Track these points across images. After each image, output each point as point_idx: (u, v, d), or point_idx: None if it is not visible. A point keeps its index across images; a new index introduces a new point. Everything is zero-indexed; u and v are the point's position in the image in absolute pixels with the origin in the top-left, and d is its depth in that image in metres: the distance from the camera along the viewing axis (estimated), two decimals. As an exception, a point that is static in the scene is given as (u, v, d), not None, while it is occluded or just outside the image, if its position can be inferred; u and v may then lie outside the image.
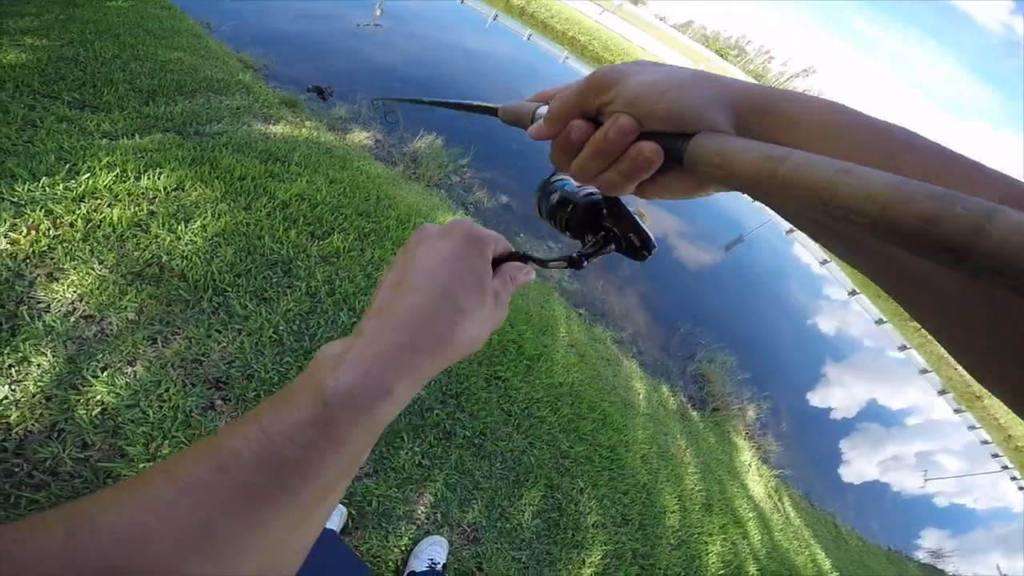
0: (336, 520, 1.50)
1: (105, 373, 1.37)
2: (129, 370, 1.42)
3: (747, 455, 4.50)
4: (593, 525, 2.19)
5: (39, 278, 1.47)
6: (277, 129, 3.09)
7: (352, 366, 0.30)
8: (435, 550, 1.65)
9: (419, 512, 1.73)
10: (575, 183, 0.49)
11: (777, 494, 4.46)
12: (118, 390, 1.36)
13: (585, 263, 0.45)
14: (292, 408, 0.28)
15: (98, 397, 1.32)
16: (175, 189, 2.05)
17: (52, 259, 1.53)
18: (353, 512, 1.58)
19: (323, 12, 8.10)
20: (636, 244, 0.44)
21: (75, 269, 1.54)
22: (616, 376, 3.56)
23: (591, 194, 0.46)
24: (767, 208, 0.30)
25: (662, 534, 2.51)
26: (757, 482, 4.20)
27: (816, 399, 8.88)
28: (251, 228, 2.08)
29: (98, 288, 1.53)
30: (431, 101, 0.68)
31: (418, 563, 1.59)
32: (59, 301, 1.45)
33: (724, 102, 0.30)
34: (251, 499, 0.24)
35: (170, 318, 1.60)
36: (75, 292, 1.50)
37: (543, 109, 0.39)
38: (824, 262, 14.62)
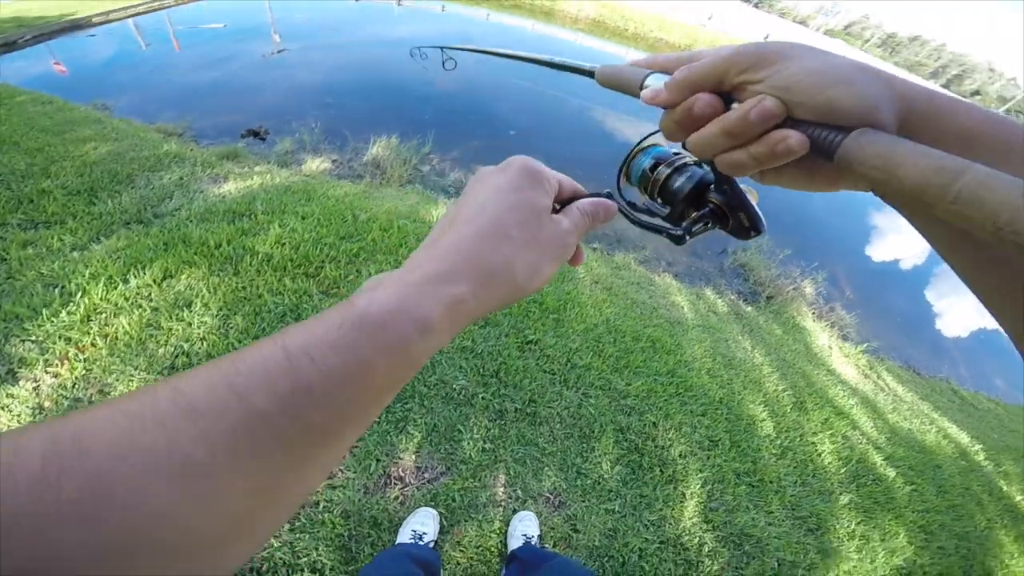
0: (431, 525, 1.81)
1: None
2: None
3: (823, 337, 4.64)
4: (680, 456, 2.45)
5: (94, 396, 1.86)
6: (229, 186, 3.43)
7: (387, 289, 0.32)
8: (526, 525, 1.93)
9: (499, 494, 2.04)
10: (670, 150, 0.52)
11: (873, 371, 4.55)
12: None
13: (687, 239, 0.48)
14: (319, 326, 0.29)
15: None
16: (164, 279, 2.41)
17: (95, 378, 1.92)
18: (443, 512, 1.90)
19: (222, 55, 8.49)
20: (745, 224, 0.46)
21: (118, 380, 1.93)
22: (652, 298, 3.81)
23: (696, 164, 0.50)
24: None
25: (759, 446, 2.72)
26: (844, 363, 4.34)
27: (875, 253, 8.82)
28: (248, 290, 2.44)
29: None
30: (505, 53, 0.72)
31: (514, 541, 1.87)
32: None
33: (890, 101, 0.31)
34: (257, 428, 0.25)
35: (214, 393, 1.94)
36: None
37: (655, 77, 0.42)
38: None
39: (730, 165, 0.37)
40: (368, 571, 1.30)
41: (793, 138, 0.32)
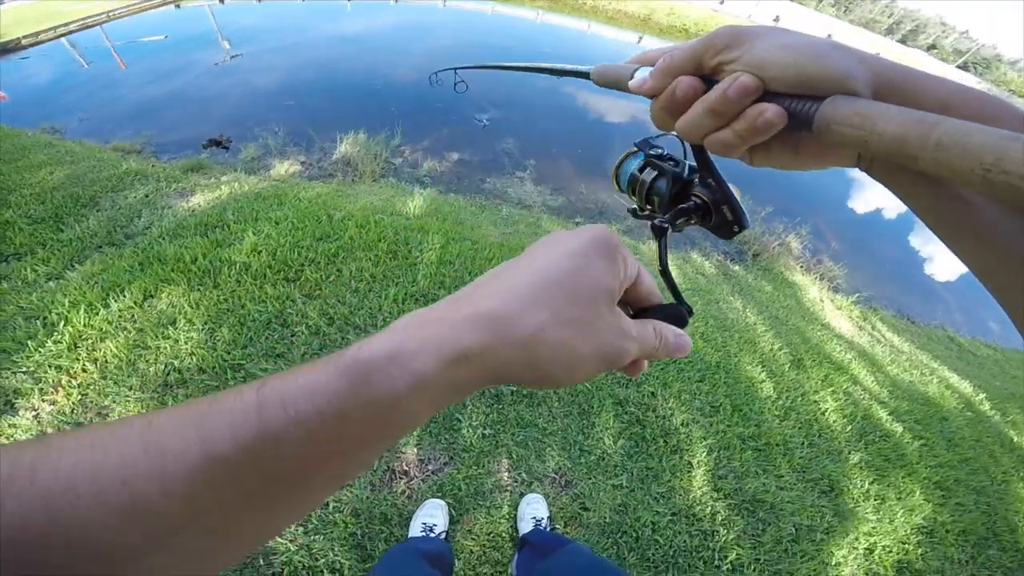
0: (441, 517, 1.84)
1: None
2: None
3: (813, 290, 4.73)
4: (682, 424, 2.48)
5: (93, 419, 1.89)
6: (198, 199, 3.40)
7: (389, 334, 0.30)
8: (534, 507, 1.96)
9: (505, 479, 2.08)
10: (656, 153, 0.55)
11: (867, 323, 4.63)
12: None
13: (671, 231, 0.49)
14: (303, 371, 0.28)
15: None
16: (144, 299, 2.40)
17: (92, 402, 1.94)
18: (451, 502, 1.93)
19: (171, 67, 8.38)
20: (728, 219, 0.47)
21: (115, 402, 1.95)
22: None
23: (680, 163, 0.52)
24: None
25: (762, 409, 2.76)
26: (838, 316, 4.43)
27: (858, 205, 9.02)
28: (230, 301, 2.44)
29: (142, 408, 1.93)
30: (511, 66, 0.74)
31: (524, 525, 1.90)
32: None
33: (864, 73, 0.33)
34: (216, 473, 0.24)
35: (210, 408, 1.96)
36: None
37: (644, 70, 0.43)
38: None
39: (719, 145, 0.38)
40: (377, 573, 1.31)
41: (770, 111, 0.34)
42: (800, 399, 2.95)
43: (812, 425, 2.80)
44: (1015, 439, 3.58)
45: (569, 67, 0.58)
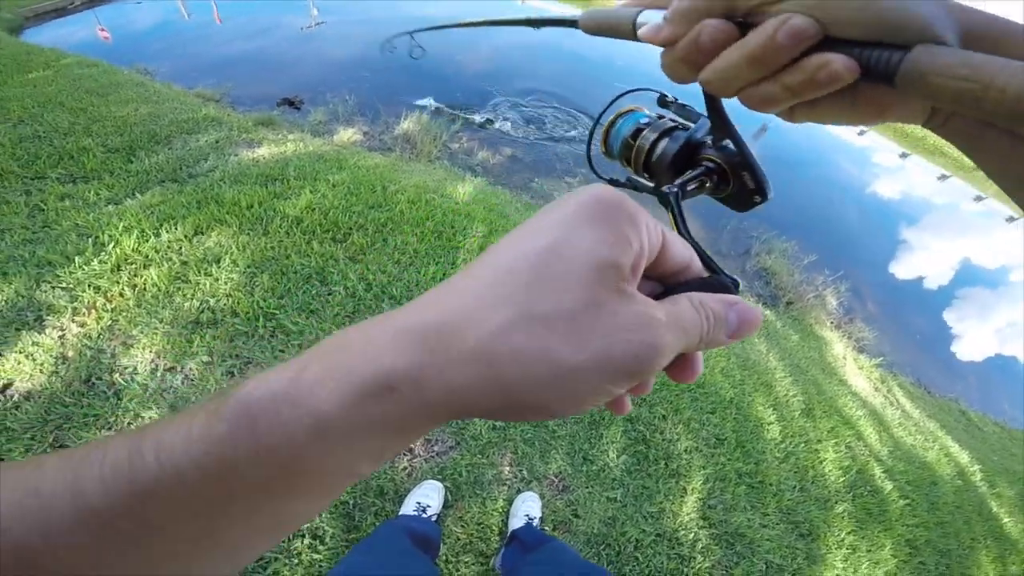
0: (436, 498, 1.78)
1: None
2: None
3: (839, 347, 4.59)
4: (686, 451, 2.41)
5: (117, 348, 1.84)
6: (263, 151, 3.39)
7: (292, 362, 0.23)
8: (528, 506, 1.90)
9: (506, 472, 2.01)
10: (655, 114, 0.46)
11: (885, 385, 4.51)
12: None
13: (679, 198, 0.39)
14: (189, 416, 0.22)
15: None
16: (195, 235, 2.38)
17: (120, 329, 1.90)
18: (448, 486, 1.87)
19: (261, 27, 8.50)
20: (749, 187, 0.39)
21: (142, 333, 1.90)
22: (672, 296, 3.75)
23: (684, 128, 0.44)
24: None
25: (764, 448, 2.68)
26: (857, 375, 4.30)
27: (901, 270, 8.62)
28: (276, 251, 2.40)
29: (168, 343, 1.89)
30: (475, 23, 0.66)
31: (516, 521, 1.84)
32: (142, 362, 1.82)
33: (947, 20, 0.25)
34: (90, 522, 0.21)
35: (237, 351, 1.94)
36: (151, 352, 1.86)
37: (649, 14, 0.34)
38: (862, 132, 14.23)
39: (759, 100, 0.30)
40: (362, 548, 1.27)
41: (838, 62, 0.25)
42: (803, 445, 2.87)
43: (808, 471, 2.74)
44: (994, 509, 3.55)
45: (550, 15, 0.48)
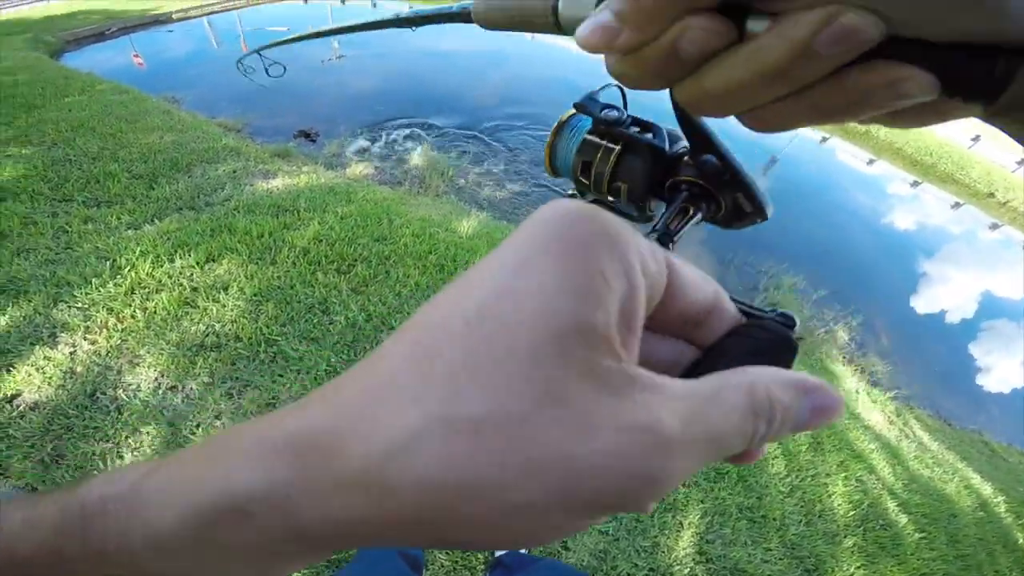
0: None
1: (200, 429, 1.78)
2: (217, 423, 1.83)
3: (851, 382, 4.49)
4: (683, 485, 2.35)
5: (123, 365, 1.92)
6: (277, 182, 3.51)
7: (142, 467, 0.19)
8: None
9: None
10: (609, 115, 0.35)
11: (901, 418, 4.38)
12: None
13: (670, 246, 0.32)
14: (42, 499, 0.20)
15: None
16: (206, 262, 2.47)
17: (128, 348, 1.99)
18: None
19: (284, 58, 8.73)
20: (746, 210, 0.33)
21: (149, 353, 1.99)
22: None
23: (645, 130, 0.35)
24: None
25: (767, 483, 2.61)
26: (871, 409, 4.17)
27: (919, 303, 8.42)
28: (282, 280, 2.48)
29: (172, 364, 1.96)
30: (332, 30, 0.60)
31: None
32: (145, 380, 1.90)
33: None
34: None
35: (238, 374, 2.01)
36: (155, 371, 1.93)
37: (597, 6, 0.23)
38: (871, 161, 14.11)
39: (774, 124, 0.21)
40: (355, 569, 1.26)
41: (916, 81, 0.17)
42: (810, 479, 2.79)
43: (815, 505, 2.66)
44: (1021, 541, 3.39)
45: (428, 11, 0.39)
